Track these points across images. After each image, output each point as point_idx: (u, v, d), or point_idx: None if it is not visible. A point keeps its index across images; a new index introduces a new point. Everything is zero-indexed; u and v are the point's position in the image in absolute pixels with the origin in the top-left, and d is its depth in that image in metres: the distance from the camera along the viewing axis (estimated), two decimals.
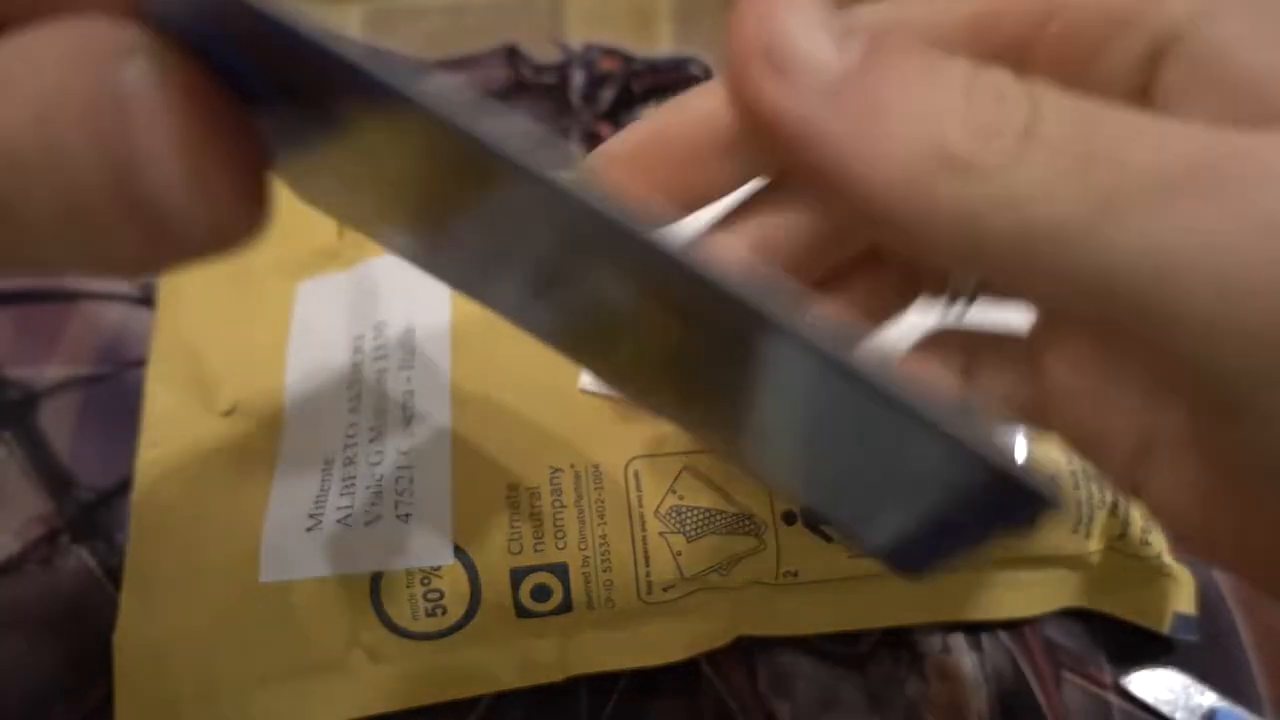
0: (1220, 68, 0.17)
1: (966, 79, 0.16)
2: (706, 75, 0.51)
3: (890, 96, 0.16)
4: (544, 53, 0.53)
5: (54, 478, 0.39)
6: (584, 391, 0.37)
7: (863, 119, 0.16)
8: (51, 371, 0.42)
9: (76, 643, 0.35)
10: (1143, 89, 0.18)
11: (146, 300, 0.43)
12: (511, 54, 0.53)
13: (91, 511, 0.38)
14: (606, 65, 0.52)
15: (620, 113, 0.50)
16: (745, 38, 0.16)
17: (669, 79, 0.51)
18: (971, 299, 0.23)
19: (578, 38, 0.54)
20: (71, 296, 0.43)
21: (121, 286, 0.44)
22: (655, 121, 0.20)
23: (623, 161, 0.19)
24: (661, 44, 0.53)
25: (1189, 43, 0.17)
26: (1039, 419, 0.21)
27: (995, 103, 0.16)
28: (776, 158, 0.18)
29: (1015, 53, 0.19)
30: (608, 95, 0.51)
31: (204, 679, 0.34)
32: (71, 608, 0.36)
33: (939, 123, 0.15)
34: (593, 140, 0.49)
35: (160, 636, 0.34)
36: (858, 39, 0.16)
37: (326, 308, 0.41)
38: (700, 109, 0.19)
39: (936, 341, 0.22)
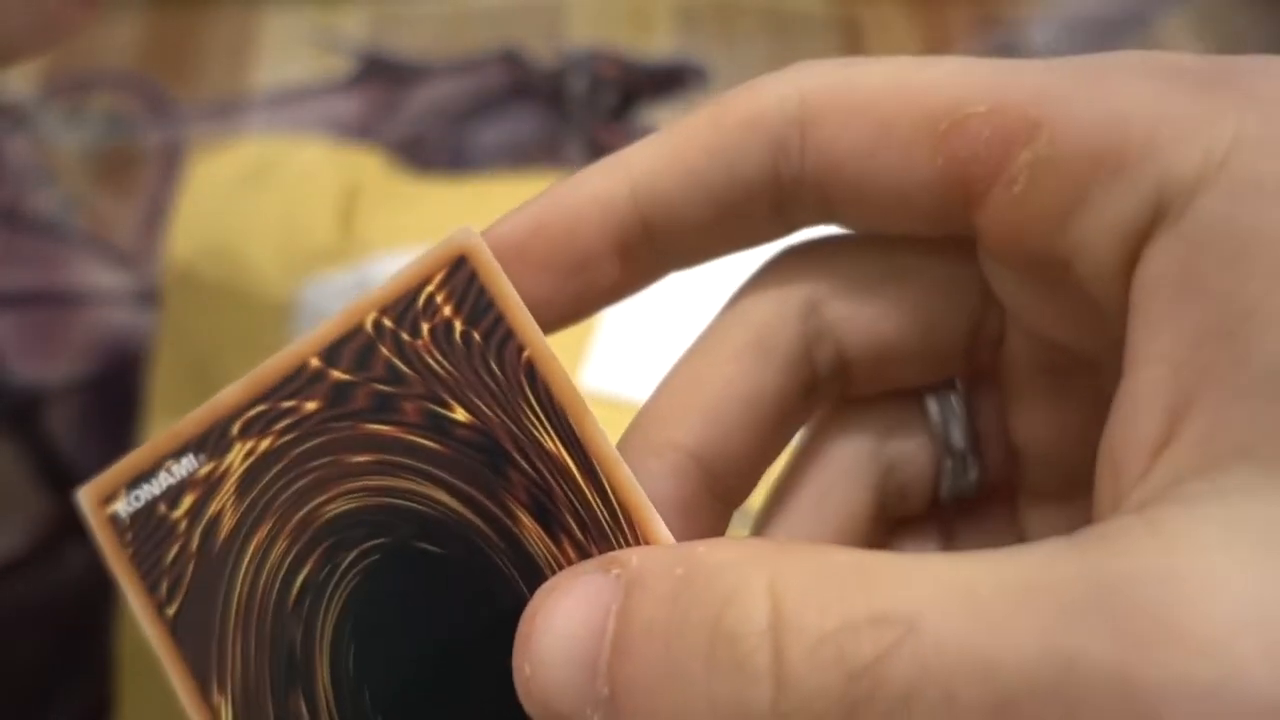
0: (1219, 279, 0.13)
1: (707, 658, 0.13)
2: (705, 77, 0.51)
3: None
4: (543, 57, 0.53)
5: (57, 477, 0.39)
6: (584, 391, 0.37)
7: None
8: (56, 372, 0.42)
9: (79, 641, 0.36)
10: (1124, 270, 0.14)
11: (150, 302, 0.43)
12: (511, 59, 0.53)
13: None
14: (605, 70, 0.52)
15: (620, 116, 0.51)
16: (522, 658, 0.15)
17: (668, 81, 0.51)
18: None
19: (578, 39, 0.54)
20: (76, 298, 0.43)
21: (126, 288, 0.44)
22: (540, 205, 0.18)
23: (512, 255, 0.17)
24: (661, 45, 0.53)
25: (1192, 222, 0.13)
26: None
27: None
28: (678, 255, 0.18)
29: (961, 215, 0.16)
30: (607, 100, 0.51)
31: None
32: (74, 606, 0.36)
33: None
34: (593, 145, 0.49)
35: None
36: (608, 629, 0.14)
37: (329, 307, 0.41)
38: (588, 191, 0.17)
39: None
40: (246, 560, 0.17)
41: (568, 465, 0.16)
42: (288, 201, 0.46)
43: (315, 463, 0.17)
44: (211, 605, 0.17)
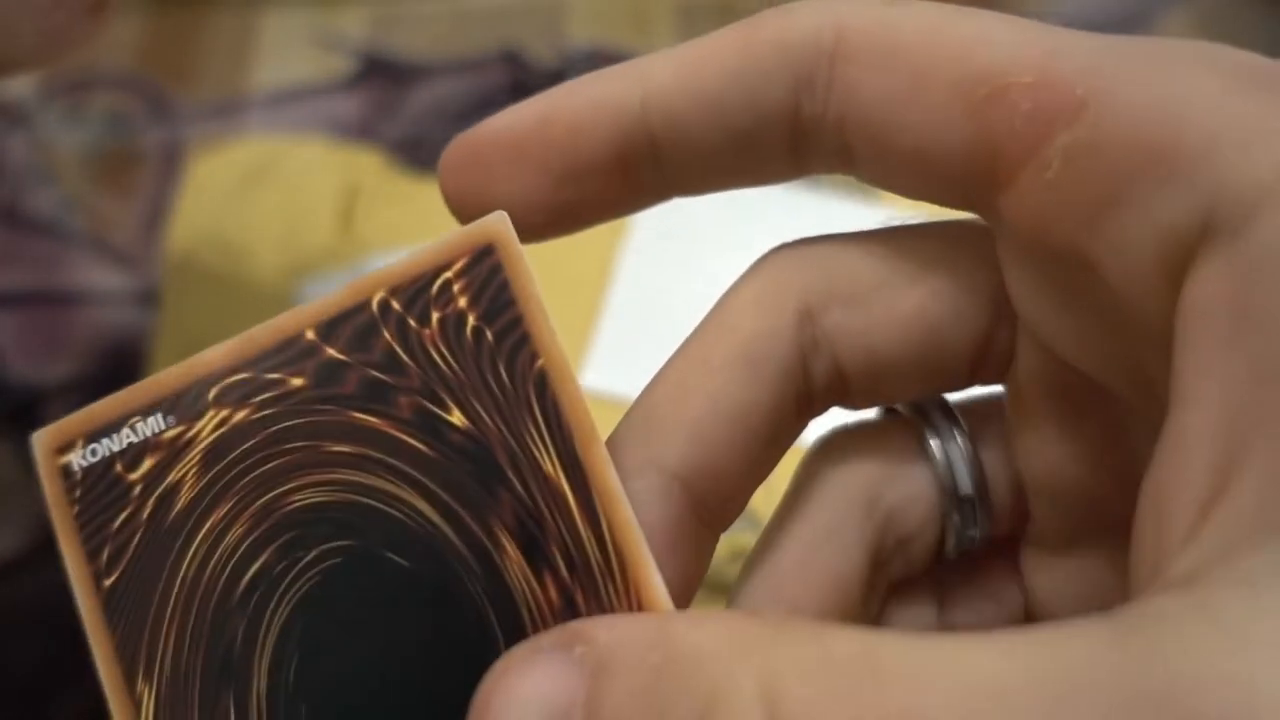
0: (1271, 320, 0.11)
1: None
2: None
3: None
4: (543, 57, 0.53)
5: None
6: (584, 391, 0.37)
7: None
8: (55, 372, 0.42)
9: (79, 641, 0.36)
10: (1162, 283, 0.13)
11: (150, 302, 0.43)
12: (511, 59, 0.53)
13: None
14: None
15: None
16: None
17: None
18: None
19: (578, 39, 0.54)
20: (76, 298, 0.43)
21: (126, 288, 0.44)
22: (545, 102, 0.16)
23: (508, 152, 0.16)
24: (661, 45, 0.53)
25: (1252, 243, 0.12)
26: None
27: None
28: (685, 172, 0.16)
29: (985, 192, 0.14)
30: None
31: None
32: (74, 606, 0.36)
33: None
34: None
35: None
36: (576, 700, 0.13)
37: None
38: (598, 94, 0.16)
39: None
40: (199, 539, 0.15)
41: (565, 494, 0.15)
42: (287, 201, 0.46)
43: (291, 445, 0.15)
44: (152, 583, 0.15)
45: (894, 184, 0.16)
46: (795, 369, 0.16)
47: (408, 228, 0.45)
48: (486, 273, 0.15)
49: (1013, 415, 0.17)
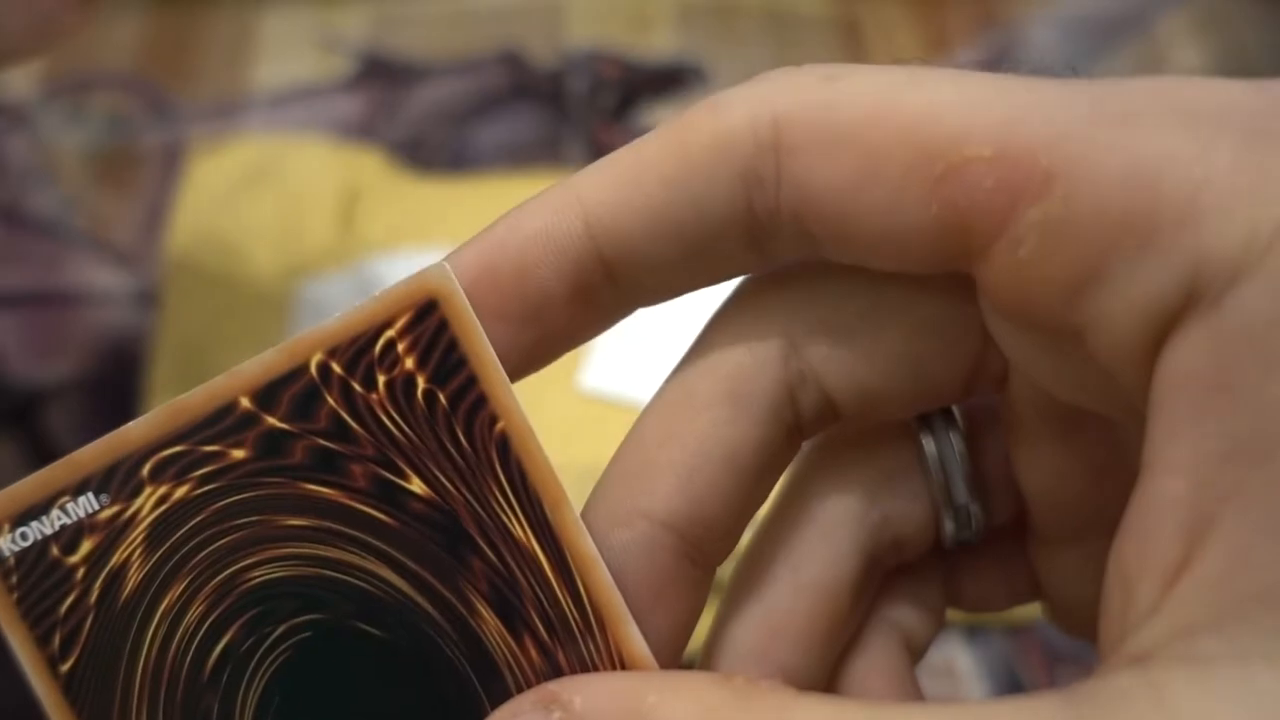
0: (1256, 388, 0.11)
1: None
2: (705, 77, 0.51)
3: None
4: (543, 57, 0.53)
5: None
6: (583, 391, 0.37)
7: None
8: (55, 372, 0.42)
9: None
10: (1148, 354, 0.12)
11: (150, 302, 0.43)
12: (511, 59, 0.53)
13: None
14: (605, 70, 0.52)
15: (620, 116, 0.51)
16: None
17: (668, 81, 0.51)
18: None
19: (578, 39, 0.54)
20: (76, 298, 0.44)
21: (126, 288, 0.44)
22: (484, 245, 0.15)
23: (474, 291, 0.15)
24: (661, 45, 0.53)
25: (1229, 315, 0.12)
26: None
27: None
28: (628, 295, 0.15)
29: (960, 261, 0.14)
30: (607, 100, 0.51)
31: None
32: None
33: None
34: (593, 145, 0.49)
35: None
36: None
37: (329, 306, 0.41)
38: (536, 228, 0.15)
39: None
40: (156, 619, 0.15)
41: (537, 557, 0.14)
42: (287, 201, 0.46)
43: (240, 520, 0.14)
44: (113, 666, 0.15)
45: (866, 262, 0.15)
46: (783, 402, 0.16)
47: (407, 228, 0.45)
48: (433, 330, 0.14)
49: (1009, 428, 0.17)
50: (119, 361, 0.42)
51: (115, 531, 0.14)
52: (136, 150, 0.49)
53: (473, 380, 0.14)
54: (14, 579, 0.14)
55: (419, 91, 0.52)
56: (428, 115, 0.51)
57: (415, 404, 0.14)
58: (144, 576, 0.14)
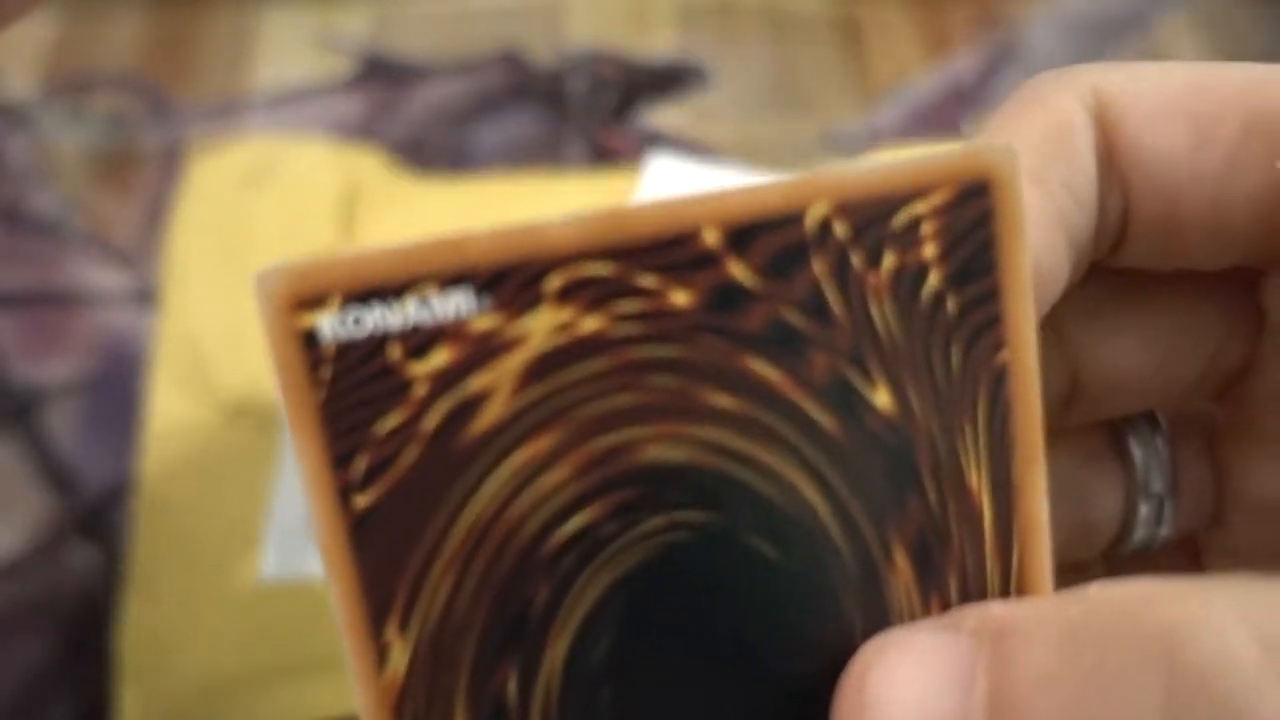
0: None
1: None
2: (705, 77, 0.51)
3: None
4: (543, 58, 0.53)
5: (58, 477, 0.39)
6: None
7: None
8: (56, 372, 0.42)
9: (80, 640, 0.36)
10: None
11: (150, 302, 0.43)
12: (511, 59, 0.53)
13: (95, 510, 0.39)
14: (606, 70, 0.52)
15: (620, 116, 0.50)
16: None
17: (668, 82, 0.51)
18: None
19: (578, 39, 0.54)
20: (76, 298, 0.44)
21: (126, 288, 0.44)
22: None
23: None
24: (661, 45, 0.53)
25: None
26: None
27: None
28: None
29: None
30: (607, 100, 0.51)
31: (207, 676, 0.34)
32: (75, 606, 0.36)
33: None
34: (593, 145, 0.49)
35: (163, 634, 0.34)
36: (979, 669, 0.11)
37: None
38: None
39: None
40: (503, 472, 0.11)
41: (981, 516, 0.12)
42: (288, 201, 0.46)
43: (653, 380, 0.11)
44: (426, 515, 0.11)
45: (1174, 254, 0.14)
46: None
47: (408, 228, 0.45)
48: (971, 220, 0.12)
49: (1236, 430, 0.16)
50: (119, 361, 0.42)
51: (488, 349, 0.11)
52: (136, 150, 0.49)
53: (994, 293, 0.12)
54: (327, 373, 0.11)
55: (419, 92, 0.52)
56: (428, 115, 0.51)
57: (918, 303, 0.12)
58: (506, 415, 0.11)
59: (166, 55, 0.54)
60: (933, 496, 0.12)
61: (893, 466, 0.12)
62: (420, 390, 0.11)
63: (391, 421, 0.11)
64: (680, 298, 0.11)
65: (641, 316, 0.11)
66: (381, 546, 0.11)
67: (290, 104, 0.52)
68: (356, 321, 0.11)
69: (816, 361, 0.12)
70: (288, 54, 0.54)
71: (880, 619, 0.12)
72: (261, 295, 0.11)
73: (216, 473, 0.37)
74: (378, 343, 0.11)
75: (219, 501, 0.36)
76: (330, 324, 0.11)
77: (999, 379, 0.12)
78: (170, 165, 0.49)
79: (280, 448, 0.37)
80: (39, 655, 0.35)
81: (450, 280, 0.11)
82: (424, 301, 0.11)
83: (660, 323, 0.11)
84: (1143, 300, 0.16)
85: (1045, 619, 0.11)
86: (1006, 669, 0.11)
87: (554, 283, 0.11)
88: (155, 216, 0.47)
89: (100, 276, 0.45)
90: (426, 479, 0.11)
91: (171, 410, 0.39)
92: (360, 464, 0.11)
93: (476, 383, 0.11)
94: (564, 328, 0.11)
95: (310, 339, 0.11)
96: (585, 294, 0.11)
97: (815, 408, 0.12)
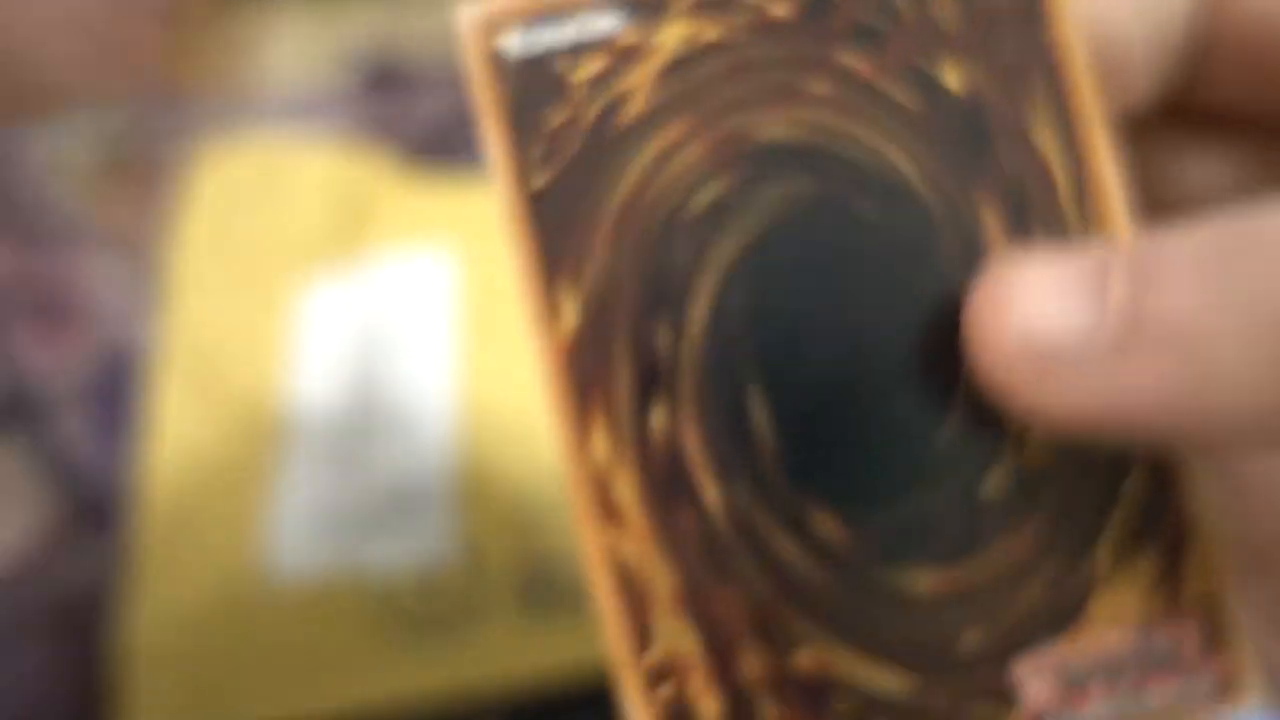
0: None
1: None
2: None
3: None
4: None
5: (60, 476, 0.39)
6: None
7: (1165, 377, 0.12)
8: (58, 372, 0.42)
9: (81, 639, 0.36)
10: None
11: (152, 302, 0.43)
12: None
13: (97, 510, 0.39)
14: None
15: None
16: (996, 339, 0.13)
17: None
18: None
19: None
20: (77, 298, 0.44)
21: (127, 289, 0.44)
22: None
23: None
24: None
25: None
26: None
27: None
28: None
29: None
30: None
31: (208, 674, 0.34)
32: (76, 604, 0.36)
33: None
34: None
35: (164, 632, 0.34)
36: (1113, 276, 0.12)
37: (331, 307, 0.41)
38: None
39: None
40: (648, 154, 0.14)
41: (1054, 176, 0.14)
42: (290, 203, 0.46)
43: (764, 75, 0.14)
44: (588, 192, 0.14)
45: (1259, 104, 0.15)
46: None
47: (411, 231, 0.45)
48: None
49: None
50: (120, 362, 0.42)
51: (630, 58, 0.14)
52: (146, 154, 0.49)
53: None
54: (511, 81, 0.14)
55: (422, 97, 0.52)
56: (431, 120, 0.51)
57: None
58: (648, 108, 0.14)
59: (177, 59, 0.54)
60: (1010, 157, 0.14)
61: (970, 133, 0.14)
62: (580, 93, 0.14)
63: (559, 117, 0.14)
64: (780, 10, 0.14)
65: (751, 26, 0.14)
66: (553, 218, 0.14)
67: (293, 107, 0.52)
68: (532, 42, 0.14)
69: (893, 50, 0.14)
70: (291, 57, 0.54)
71: (978, 269, 0.14)
72: (462, 26, 0.14)
73: (219, 474, 0.37)
74: (548, 58, 0.14)
75: (221, 503, 0.36)
76: (513, 43, 0.14)
77: (1050, 51, 0.14)
78: (171, 166, 0.49)
79: (281, 450, 0.37)
80: (41, 654, 0.35)
81: (601, 4, 0.14)
82: (581, 24, 0.14)
83: (765, 30, 0.14)
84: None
85: (1168, 237, 0.12)
86: (1140, 269, 0.12)
87: (682, 3, 0.14)
88: (158, 218, 0.47)
89: (101, 276, 0.45)
90: (587, 161, 0.14)
91: (175, 411, 0.39)
92: (534, 150, 0.14)
93: (623, 84, 0.14)
94: (689, 39, 0.14)
95: (498, 57, 0.14)
96: (706, 10, 0.14)
97: (896, 88, 0.14)
